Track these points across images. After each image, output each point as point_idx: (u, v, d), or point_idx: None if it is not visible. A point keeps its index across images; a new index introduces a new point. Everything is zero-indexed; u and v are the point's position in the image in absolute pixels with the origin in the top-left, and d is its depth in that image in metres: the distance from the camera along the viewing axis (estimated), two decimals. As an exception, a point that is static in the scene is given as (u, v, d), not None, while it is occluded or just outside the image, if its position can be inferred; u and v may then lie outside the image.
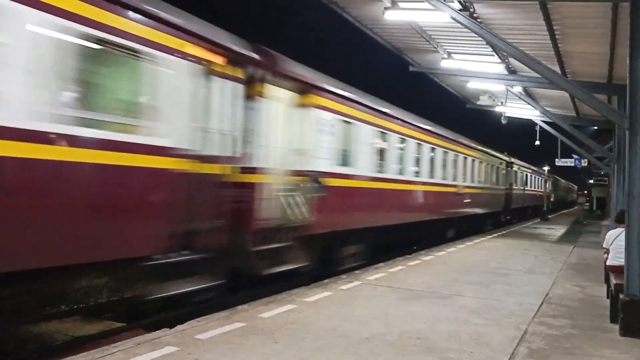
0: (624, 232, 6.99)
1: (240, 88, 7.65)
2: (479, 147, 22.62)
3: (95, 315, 7.86)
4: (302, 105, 9.37)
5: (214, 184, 7.06)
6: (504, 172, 27.63)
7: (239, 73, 7.65)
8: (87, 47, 5.39)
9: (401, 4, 9.86)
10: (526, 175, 34.47)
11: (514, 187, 29.86)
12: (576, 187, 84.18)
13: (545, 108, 18.75)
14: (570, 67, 13.19)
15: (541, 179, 40.98)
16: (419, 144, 15.13)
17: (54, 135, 4.99)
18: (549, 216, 35.40)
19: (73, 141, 5.15)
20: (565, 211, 53.99)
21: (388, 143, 12.93)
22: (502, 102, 18.51)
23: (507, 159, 28.45)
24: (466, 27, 8.31)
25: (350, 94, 11.18)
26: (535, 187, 38.19)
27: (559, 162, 31.45)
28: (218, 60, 7.23)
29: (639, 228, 6.30)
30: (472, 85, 16.06)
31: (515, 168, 30.29)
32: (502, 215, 27.84)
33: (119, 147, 5.65)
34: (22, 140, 4.73)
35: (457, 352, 5.23)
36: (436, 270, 10.47)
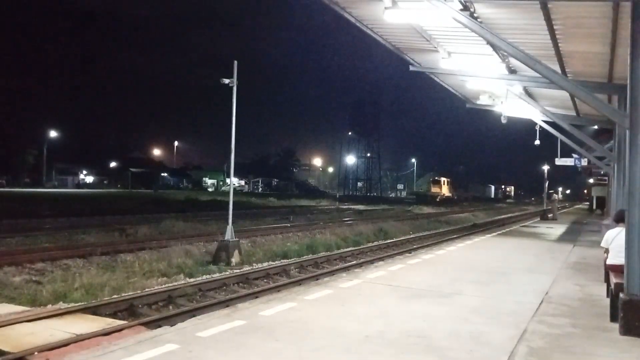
0: (623, 232, 7.00)
1: None
2: None
3: (95, 313, 7.87)
4: None
5: None
6: None
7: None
8: None
9: (401, 4, 9.84)
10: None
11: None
12: None
13: (545, 107, 18.76)
14: (570, 66, 13.19)
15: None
16: None
17: None
18: (549, 215, 35.52)
19: None
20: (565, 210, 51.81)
21: None
22: (502, 102, 18.52)
23: None
24: (466, 27, 8.31)
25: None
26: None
27: (559, 161, 31.52)
28: None
29: None
30: (472, 84, 16.06)
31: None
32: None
33: None
34: None
35: (457, 351, 5.24)
36: (436, 269, 10.49)
